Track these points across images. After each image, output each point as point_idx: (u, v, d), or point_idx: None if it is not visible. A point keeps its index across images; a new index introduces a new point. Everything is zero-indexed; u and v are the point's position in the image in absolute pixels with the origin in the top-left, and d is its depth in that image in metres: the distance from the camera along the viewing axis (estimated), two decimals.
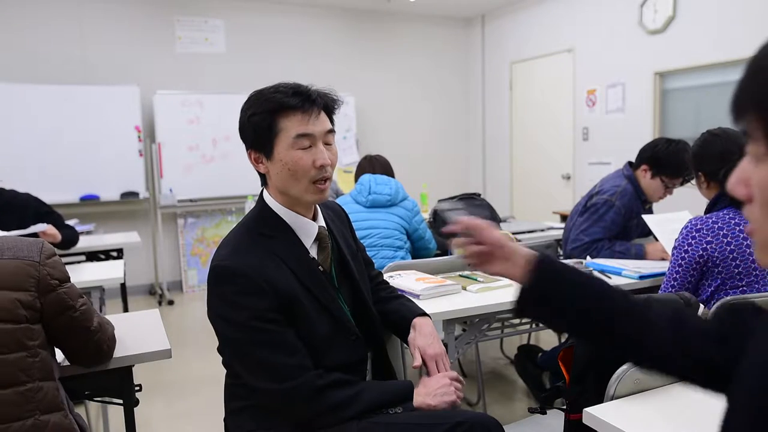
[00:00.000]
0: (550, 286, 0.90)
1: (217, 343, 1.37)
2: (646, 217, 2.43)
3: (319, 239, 1.40)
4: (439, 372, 1.42)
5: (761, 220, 0.52)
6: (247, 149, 1.37)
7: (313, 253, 1.39)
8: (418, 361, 1.42)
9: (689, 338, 0.84)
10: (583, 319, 0.89)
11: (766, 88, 0.48)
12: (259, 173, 1.39)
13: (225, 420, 1.45)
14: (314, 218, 1.42)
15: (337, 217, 1.56)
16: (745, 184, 0.53)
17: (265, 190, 1.40)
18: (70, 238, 3.02)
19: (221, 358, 1.40)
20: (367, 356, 1.46)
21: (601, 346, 0.93)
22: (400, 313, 1.54)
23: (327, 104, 1.36)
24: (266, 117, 1.30)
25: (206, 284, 1.33)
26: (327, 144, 1.34)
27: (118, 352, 1.55)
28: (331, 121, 1.38)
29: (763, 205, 0.51)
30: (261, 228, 1.35)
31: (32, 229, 2.72)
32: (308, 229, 1.38)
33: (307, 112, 1.30)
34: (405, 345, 1.55)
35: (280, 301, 1.26)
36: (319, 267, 1.38)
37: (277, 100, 1.30)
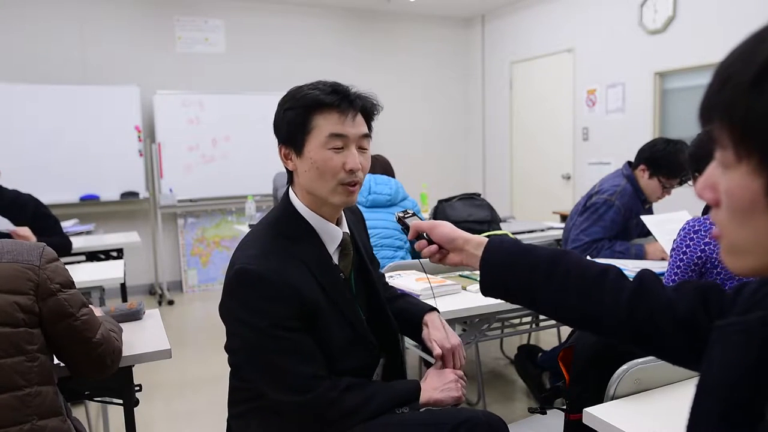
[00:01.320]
0: (499, 271, 0.97)
1: (218, 343, 1.37)
2: (644, 218, 2.42)
3: (342, 245, 1.37)
4: (455, 364, 1.42)
5: (727, 225, 0.53)
6: (278, 144, 1.32)
7: (336, 259, 1.36)
8: (438, 351, 1.42)
9: (645, 318, 0.85)
10: (536, 299, 0.94)
11: (734, 97, 0.49)
12: (287, 170, 1.34)
13: (228, 422, 1.43)
14: (338, 223, 1.38)
15: (356, 219, 1.53)
16: (712, 189, 0.54)
17: (291, 189, 1.36)
18: (56, 245, 2.94)
19: (223, 358, 1.39)
20: (380, 361, 1.45)
21: (561, 322, 0.99)
22: (409, 311, 1.52)
23: (366, 107, 1.31)
24: (301, 112, 1.25)
25: (215, 284, 1.31)
26: (362, 149, 1.30)
27: None
28: (369, 127, 1.33)
29: (729, 211, 0.53)
30: (286, 230, 1.31)
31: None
32: (333, 235, 1.34)
33: (344, 112, 1.25)
34: (405, 347, 1.54)
35: (302, 308, 1.23)
36: (341, 274, 1.35)
37: (314, 96, 1.25)
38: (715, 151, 0.53)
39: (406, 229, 1.14)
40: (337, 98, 1.26)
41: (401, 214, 1.18)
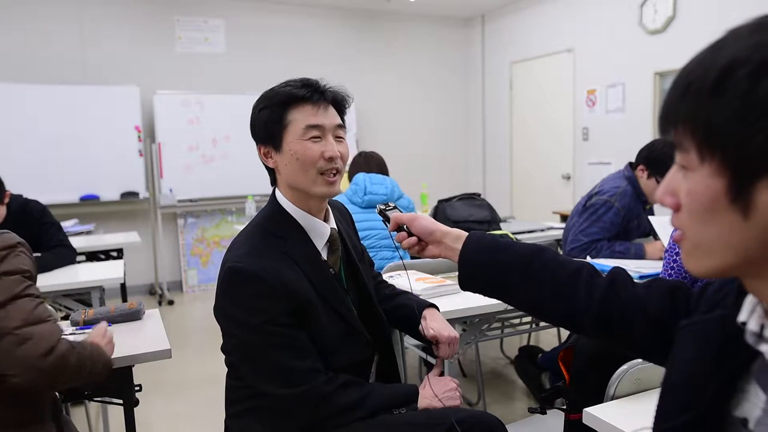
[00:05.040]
0: (477, 267, 0.99)
1: (218, 343, 1.37)
2: (652, 219, 2.42)
3: (330, 241, 1.39)
4: (448, 353, 1.44)
5: (690, 226, 0.56)
6: (257, 145, 1.36)
7: (324, 255, 1.37)
8: (431, 332, 1.44)
9: (618, 316, 0.87)
10: (512, 296, 0.96)
11: (696, 102, 0.52)
12: (268, 169, 1.37)
13: (226, 422, 1.44)
14: (326, 219, 1.40)
15: (343, 217, 1.55)
16: (672, 194, 0.57)
17: (276, 189, 1.38)
18: (61, 257, 2.74)
19: (222, 358, 1.39)
20: (374, 357, 1.46)
21: (538, 318, 1.00)
22: (409, 306, 1.53)
23: (336, 99, 1.36)
24: (276, 109, 1.30)
25: (215, 284, 1.32)
26: (338, 138, 1.34)
27: (119, 352, 1.54)
28: (342, 119, 1.37)
29: (692, 212, 0.55)
30: (274, 229, 1.33)
31: None
32: (320, 231, 1.37)
33: (316, 104, 1.30)
34: (405, 347, 1.55)
35: (294, 304, 1.24)
36: (330, 270, 1.37)
37: (287, 92, 1.30)
38: (675, 154, 0.56)
39: (387, 221, 1.16)
40: (309, 91, 1.30)
41: (383, 207, 1.20)
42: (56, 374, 1.19)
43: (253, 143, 1.37)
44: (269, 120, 1.30)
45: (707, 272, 0.56)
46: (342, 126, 1.35)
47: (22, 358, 1.14)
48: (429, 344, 1.50)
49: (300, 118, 1.29)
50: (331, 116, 1.33)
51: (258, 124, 1.33)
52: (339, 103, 1.37)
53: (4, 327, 1.15)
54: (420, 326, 1.48)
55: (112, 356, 1.47)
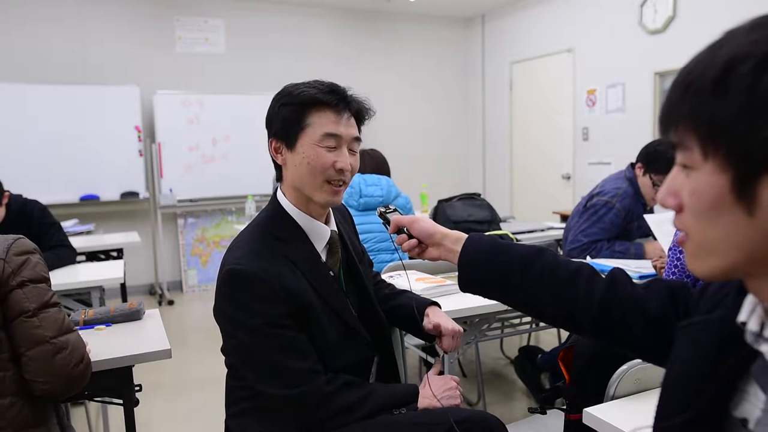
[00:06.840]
0: (477, 268, 0.99)
1: (217, 343, 1.37)
2: (647, 217, 2.42)
3: (330, 243, 1.39)
4: (451, 346, 1.44)
5: (695, 226, 0.55)
6: (269, 138, 1.34)
7: (324, 257, 1.37)
8: (435, 323, 1.45)
9: (617, 317, 0.87)
10: (511, 297, 0.97)
11: (698, 101, 0.52)
12: (276, 165, 1.36)
13: (226, 422, 1.44)
14: (326, 221, 1.40)
15: (343, 218, 1.55)
16: (674, 195, 0.57)
17: (279, 189, 1.37)
18: (61, 257, 2.74)
19: (222, 358, 1.39)
20: (374, 358, 1.46)
21: (538, 319, 1.02)
22: (411, 306, 1.53)
23: (360, 111, 1.35)
24: (297, 108, 1.28)
25: (215, 284, 1.31)
26: (351, 151, 1.33)
27: (119, 352, 1.54)
28: (359, 130, 1.36)
29: (696, 212, 0.54)
30: (275, 230, 1.33)
31: None
32: (321, 234, 1.37)
33: (339, 112, 1.29)
34: (405, 347, 1.55)
35: (293, 306, 1.24)
36: (330, 272, 1.37)
37: (312, 94, 1.28)
38: (676, 155, 0.56)
39: (387, 223, 1.16)
40: (335, 98, 1.29)
41: (383, 209, 1.21)
42: (81, 382, 1.26)
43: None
44: (288, 118, 1.29)
45: (712, 273, 0.55)
46: (358, 139, 1.35)
47: (58, 366, 1.20)
48: (432, 340, 1.50)
49: (320, 123, 1.28)
50: (350, 127, 1.32)
51: (275, 119, 1.31)
52: (360, 115, 1.36)
53: (39, 335, 1.19)
54: (423, 323, 1.48)
55: (111, 357, 1.49)
